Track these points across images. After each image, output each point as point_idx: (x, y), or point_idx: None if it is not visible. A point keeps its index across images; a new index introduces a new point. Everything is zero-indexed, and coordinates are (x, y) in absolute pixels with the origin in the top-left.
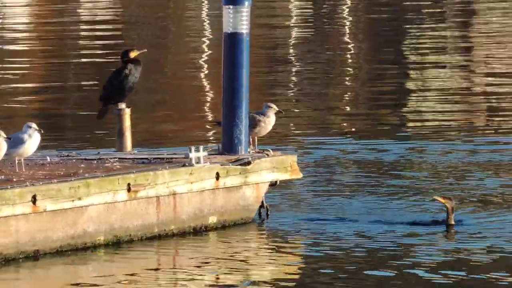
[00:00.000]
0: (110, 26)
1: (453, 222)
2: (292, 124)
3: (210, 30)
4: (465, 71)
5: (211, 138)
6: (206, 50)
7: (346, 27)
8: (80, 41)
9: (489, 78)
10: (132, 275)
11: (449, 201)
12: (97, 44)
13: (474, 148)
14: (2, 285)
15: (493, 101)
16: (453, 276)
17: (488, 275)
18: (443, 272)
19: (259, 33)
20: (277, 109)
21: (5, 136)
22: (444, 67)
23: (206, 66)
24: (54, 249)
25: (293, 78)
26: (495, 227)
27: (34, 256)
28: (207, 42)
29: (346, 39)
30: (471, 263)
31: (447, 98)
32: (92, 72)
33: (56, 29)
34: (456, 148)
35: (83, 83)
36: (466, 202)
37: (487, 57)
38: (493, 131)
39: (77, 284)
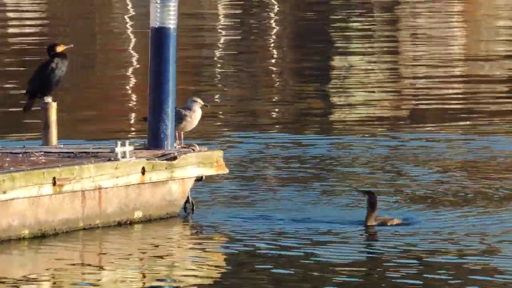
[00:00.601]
0: (35, 22)
1: (374, 223)
2: (217, 119)
3: (137, 24)
4: (391, 65)
5: (137, 133)
6: (133, 44)
7: (273, 23)
8: (5, 36)
9: (416, 73)
10: (56, 268)
11: (371, 196)
12: (23, 39)
13: (400, 143)
14: None
15: (420, 95)
16: (360, 276)
17: (400, 274)
18: (351, 271)
19: (186, 28)
20: (203, 103)
21: None
22: (370, 61)
23: (133, 61)
24: None
25: (218, 73)
26: (416, 225)
27: None
28: (134, 36)
29: (272, 36)
30: (383, 262)
31: (373, 92)
32: (18, 65)
33: None
34: (381, 143)
35: (8, 76)
36: (391, 197)
37: (413, 51)
38: (420, 125)
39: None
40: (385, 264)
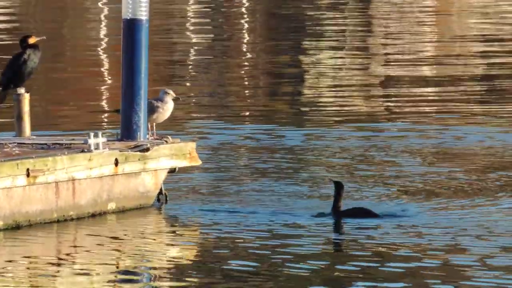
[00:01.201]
0: (7, 12)
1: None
2: (190, 111)
3: (109, 16)
4: (363, 57)
5: (109, 124)
6: (105, 36)
7: (244, 14)
8: None
9: (388, 64)
10: (30, 259)
11: (338, 185)
12: None
13: (372, 134)
14: None
15: (392, 86)
16: (322, 268)
17: (358, 264)
18: (315, 264)
19: (156, 20)
20: (175, 96)
21: None
22: (341, 52)
23: (105, 53)
24: None
25: (190, 65)
26: (386, 216)
27: None
28: (106, 28)
29: (244, 28)
30: (347, 254)
31: (344, 84)
32: None
33: None
34: (353, 135)
35: None
36: (362, 188)
37: (385, 44)
38: (391, 117)
39: None
40: (346, 255)
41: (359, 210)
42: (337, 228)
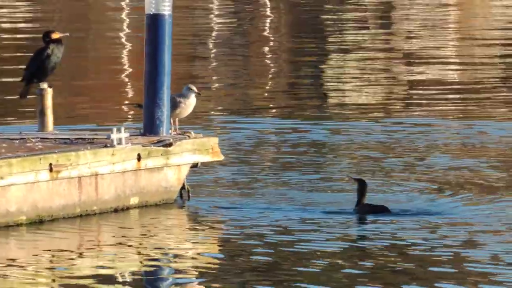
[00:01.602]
0: (30, 9)
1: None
2: (212, 106)
3: (132, 11)
4: (386, 52)
5: (132, 119)
6: (128, 31)
7: (268, 11)
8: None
9: (411, 60)
10: (53, 254)
11: (361, 183)
12: (18, 26)
13: (395, 128)
14: None
15: (415, 83)
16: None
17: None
18: (337, 260)
19: (179, 15)
20: (196, 91)
21: None
22: (365, 48)
23: (128, 47)
24: None
25: (213, 60)
26: (406, 212)
27: None
28: (129, 23)
29: (267, 23)
30: (371, 251)
31: (368, 79)
32: (13, 53)
33: None
34: (377, 129)
35: (4, 63)
36: (387, 185)
37: (409, 38)
38: (414, 113)
39: None
40: (373, 252)
41: (382, 208)
42: (360, 224)
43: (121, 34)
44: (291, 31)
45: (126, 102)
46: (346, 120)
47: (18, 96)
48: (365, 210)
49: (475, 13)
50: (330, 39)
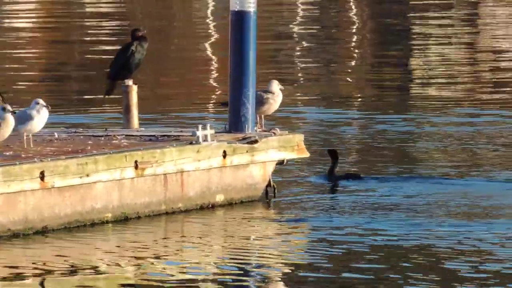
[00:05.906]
0: (115, 5)
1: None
2: (299, 103)
3: (217, 10)
4: (470, 47)
5: (217, 116)
6: (213, 29)
7: (352, 5)
8: (86, 22)
9: (495, 54)
10: (139, 250)
11: (332, 152)
12: (103, 25)
13: (478, 120)
14: (13, 259)
15: (499, 76)
16: None
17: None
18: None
19: (265, 9)
20: (282, 87)
21: (11, 110)
22: (449, 43)
23: (213, 45)
24: (62, 225)
25: (298, 55)
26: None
27: (43, 232)
28: (214, 21)
29: (352, 18)
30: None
31: (452, 73)
32: (99, 51)
33: (62, 11)
34: (462, 121)
35: (89, 61)
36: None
37: (493, 34)
38: (498, 106)
39: (87, 257)
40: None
41: (350, 175)
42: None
43: (209, 30)
44: (376, 23)
45: (212, 100)
46: (427, 111)
47: (104, 93)
48: (338, 177)
49: None
50: (415, 31)
